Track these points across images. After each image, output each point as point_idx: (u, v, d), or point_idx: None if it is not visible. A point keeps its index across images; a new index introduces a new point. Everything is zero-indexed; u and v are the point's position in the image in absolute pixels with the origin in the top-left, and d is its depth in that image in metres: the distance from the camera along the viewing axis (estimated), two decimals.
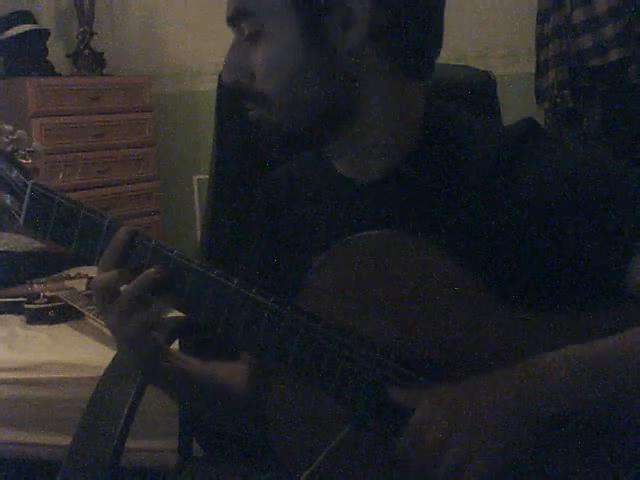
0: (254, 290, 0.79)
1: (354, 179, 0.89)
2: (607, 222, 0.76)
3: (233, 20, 0.84)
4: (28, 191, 0.87)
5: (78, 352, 2.01)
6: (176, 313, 0.95)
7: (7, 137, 0.89)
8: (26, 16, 3.16)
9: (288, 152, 0.92)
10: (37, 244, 2.66)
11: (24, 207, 0.87)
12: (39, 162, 0.90)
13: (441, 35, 0.85)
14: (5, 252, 2.56)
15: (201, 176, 3.18)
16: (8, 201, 0.88)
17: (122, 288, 0.84)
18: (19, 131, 0.90)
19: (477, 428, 0.71)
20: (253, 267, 1.00)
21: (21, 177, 0.88)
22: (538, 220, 0.78)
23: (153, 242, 0.82)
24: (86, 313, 2.16)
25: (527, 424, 0.70)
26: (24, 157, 0.89)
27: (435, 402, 0.73)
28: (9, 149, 0.89)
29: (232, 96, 0.86)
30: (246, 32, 0.83)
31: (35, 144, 0.90)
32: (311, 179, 0.95)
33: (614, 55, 2.39)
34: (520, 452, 0.71)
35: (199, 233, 3.08)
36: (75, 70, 3.36)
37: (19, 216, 0.88)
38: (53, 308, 2.22)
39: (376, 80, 0.83)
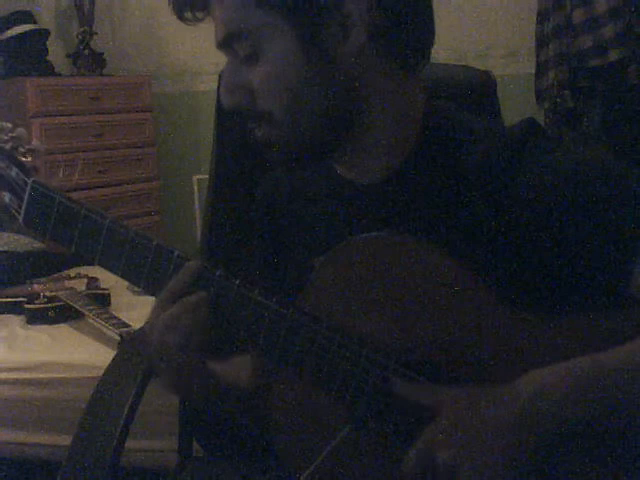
0: (256, 290, 0.79)
1: (354, 180, 0.89)
2: (607, 223, 0.76)
3: (225, 44, 0.83)
4: (28, 189, 0.86)
5: (78, 352, 2.01)
6: None
7: (6, 135, 0.88)
8: (26, 16, 3.16)
9: (298, 166, 0.92)
10: (37, 244, 2.66)
11: (24, 205, 0.86)
12: (39, 160, 0.89)
13: (433, 25, 0.85)
14: (5, 252, 2.56)
15: (201, 176, 3.17)
16: (7, 199, 0.87)
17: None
18: (18, 129, 0.89)
19: (478, 433, 0.71)
20: (253, 267, 1.00)
21: (21, 175, 0.87)
22: (538, 220, 0.78)
23: (154, 243, 0.82)
24: (86, 313, 2.17)
25: (529, 429, 0.70)
26: (24, 155, 0.89)
27: (439, 416, 0.74)
28: (8, 147, 0.88)
29: (231, 114, 0.85)
30: (241, 54, 0.81)
31: (35, 142, 0.90)
32: (311, 180, 0.95)
33: (614, 55, 2.39)
34: (522, 456, 0.71)
35: (199, 233, 3.08)
36: (75, 70, 3.36)
37: (19, 214, 0.87)
38: (53, 308, 2.22)
39: (376, 80, 0.82)
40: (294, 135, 0.83)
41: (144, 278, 0.83)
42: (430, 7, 0.84)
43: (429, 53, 0.86)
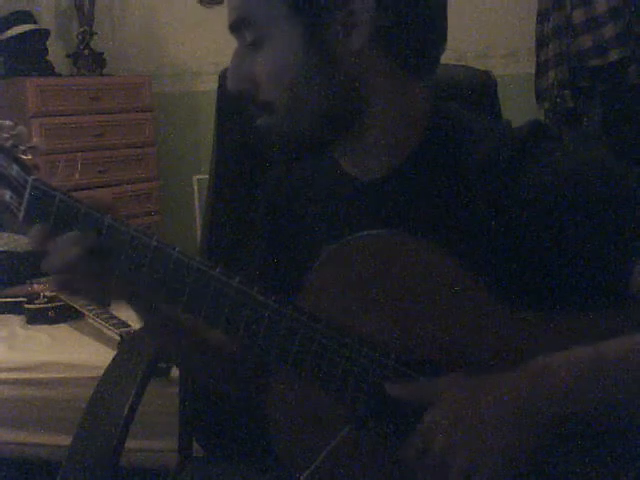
0: (255, 289, 0.79)
1: (356, 178, 0.89)
2: (607, 222, 0.76)
3: (235, 28, 0.83)
4: (28, 187, 0.85)
5: (78, 352, 2.01)
6: None
7: (7, 133, 0.88)
8: (26, 16, 3.16)
9: (295, 157, 0.92)
10: None
11: (24, 204, 0.86)
12: (39, 159, 0.89)
13: (444, 32, 0.85)
14: (5, 252, 2.56)
15: (201, 176, 3.17)
16: (8, 197, 0.87)
17: None
18: (19, 127, 0.89)
19: (477, 429, 0.71)
20: (254, 266, 1.00)
21: (21, 173, 0.86)
22: (539, 220, 0.78)
23: (154, 240, 0.82)
24: (86, 313, 2.17)
25: (528, 424, 0.70)
26: (24, 153, 0.88)
27: (438, 407, 0.74)
28: (9, 145, 0.88)
29: (233, 98, 0.86)
30: (248, 40, 0.82)
31: (35, 140, 0.89)
32: (312, 178, 0.95)
33: (614, 55, 2.39)
34: (521, 452, 0.71)
35: (199, 233, 3.08)
36: (75, 70, 3.35)
37: (19, 213, 0.87)
38: (53, 308, 2.23)
39: (377, 80, 0.82)
40: (293, 128, 0.83)
41: (143, 276, 0.83)
42: (439, 9, 0.83)
43: (434, 55, 0.85)
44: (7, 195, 0.87)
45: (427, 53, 0.84)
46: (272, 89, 0.82)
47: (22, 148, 0.88)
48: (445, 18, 0.84)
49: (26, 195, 0.86)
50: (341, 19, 0.79)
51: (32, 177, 0.86)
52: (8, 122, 0.88)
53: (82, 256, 0.82)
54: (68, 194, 0.85)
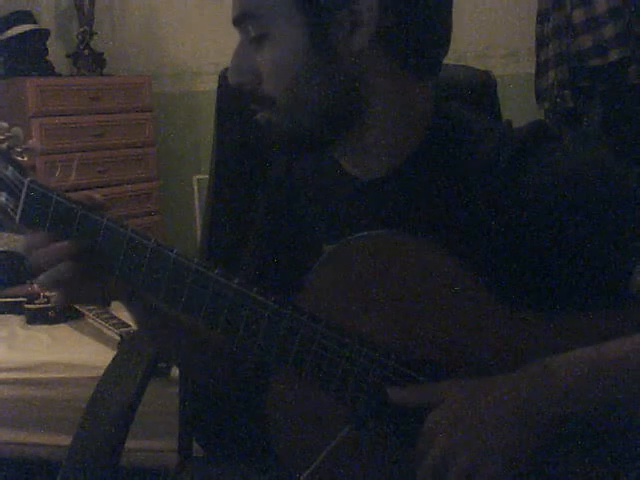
0: (254, 290, 0.79)
1: (356, 177, 0.89)
2: (608, 223, 0.76)
3: (238, 22, 0.83)
4: (24, 189, 0.85)
5: (78, 352, 2.01)
6: None
7: (2, 134, 0.88)
8: (26, 16, 3.16)
9: (294, 154, 0.92)
10: None
11: (20, 205, 0.85)
12: (39, 159, 0.89)
13: (448, 35, 0.84)
14: (5, 252, 2.56)
15: (201, 176, 3.17)
16: (4, 199, 0.87)
17: None
18: (14, 128, 0.88)
19: (477, 429, 0.71)
20: (254, 267, 1.00)
21: (17, 174, 0.86)
22: (540, 221, 0.78)
23: (152, 242, 0.82)
24: (86, 313, 2.17)
25: (528, 425, 0.70)
26: (20, 155, 0.88)
27: (438, 408, 0.74)
28: (4, 146, 0.87)
29: (233, 96, 0.86)
30: (252, 34, 0.82)
31: (31, 141, 0.89)
32: (312, 177, 0.95)
33: (614, 55, 2.38)
34: (521, 452, 0.71)
35: (199, 233, 3.08)
36: (75, 70, 3.35)
37: (15, 214, 0.86)
38: (53, 308, 2.23)
39: (378, 80, 0.82)
40: (293, 127, 0.83)
41: (142, 277, 0.83)
42: (442, 11, 0.83)
43: (435, 56, 0.85)
44: (3, 197, 0.87)
45: (428, 54, 0.84)
46: (274, 84, 0.82)
47: (18, 150, 0.88)
48: (448, 20, 0.84)
49: (22, 196, 0.85)
50: (343, 19, 0.79)
51: (28, 179, 0.85)
52: (4, 124, 0.88)
53: (77, 267, 0.82)
54: (65, 195, 0.84)
